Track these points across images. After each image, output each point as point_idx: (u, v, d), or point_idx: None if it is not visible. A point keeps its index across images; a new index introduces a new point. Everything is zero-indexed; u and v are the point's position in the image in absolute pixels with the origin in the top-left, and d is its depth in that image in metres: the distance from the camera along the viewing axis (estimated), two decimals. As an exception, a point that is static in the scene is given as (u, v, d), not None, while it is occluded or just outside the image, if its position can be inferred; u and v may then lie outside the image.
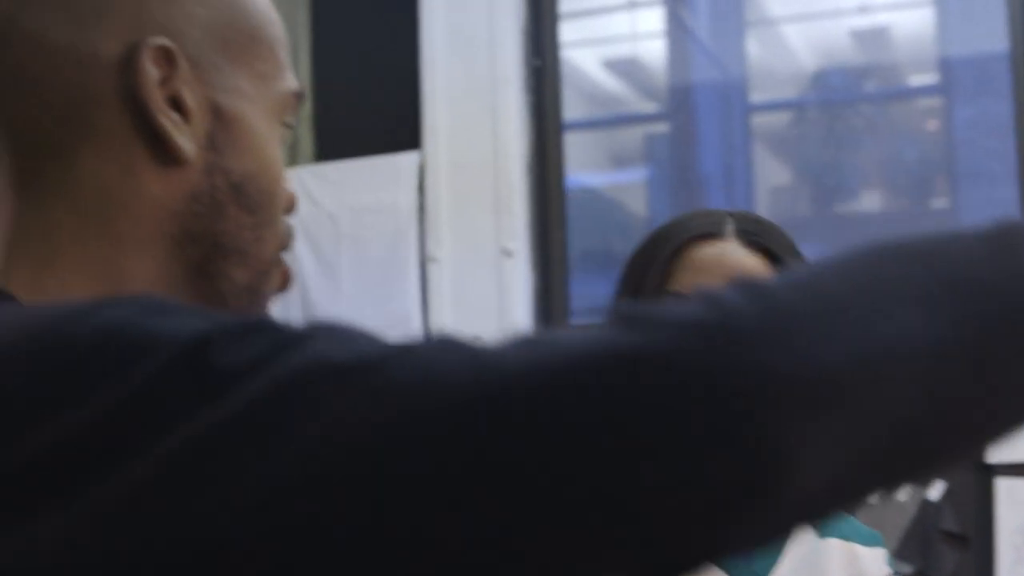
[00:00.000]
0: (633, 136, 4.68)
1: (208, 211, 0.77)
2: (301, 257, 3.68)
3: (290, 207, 0.86)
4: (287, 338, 0.57)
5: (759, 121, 4.62)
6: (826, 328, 0.55)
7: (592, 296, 3.91)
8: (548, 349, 0.54)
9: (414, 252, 3.59)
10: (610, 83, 4.62)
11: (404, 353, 0.55)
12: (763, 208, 4.38)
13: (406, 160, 3.64)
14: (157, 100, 0.74)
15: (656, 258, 1.38)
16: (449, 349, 0.55)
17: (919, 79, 4.44)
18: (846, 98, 4.24)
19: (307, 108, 3.84)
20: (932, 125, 4.36)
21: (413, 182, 3.61)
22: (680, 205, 4.28)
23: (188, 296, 0.78)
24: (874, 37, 4.40)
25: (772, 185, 4.56)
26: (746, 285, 0.57)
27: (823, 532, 1.42)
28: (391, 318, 3.57)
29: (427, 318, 3.56)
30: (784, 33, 4.52)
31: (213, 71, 0.77)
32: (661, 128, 4.60)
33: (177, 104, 0.75)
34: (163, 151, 0.75)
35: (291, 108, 0.84)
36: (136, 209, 0.75)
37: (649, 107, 4.70)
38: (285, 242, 0.84)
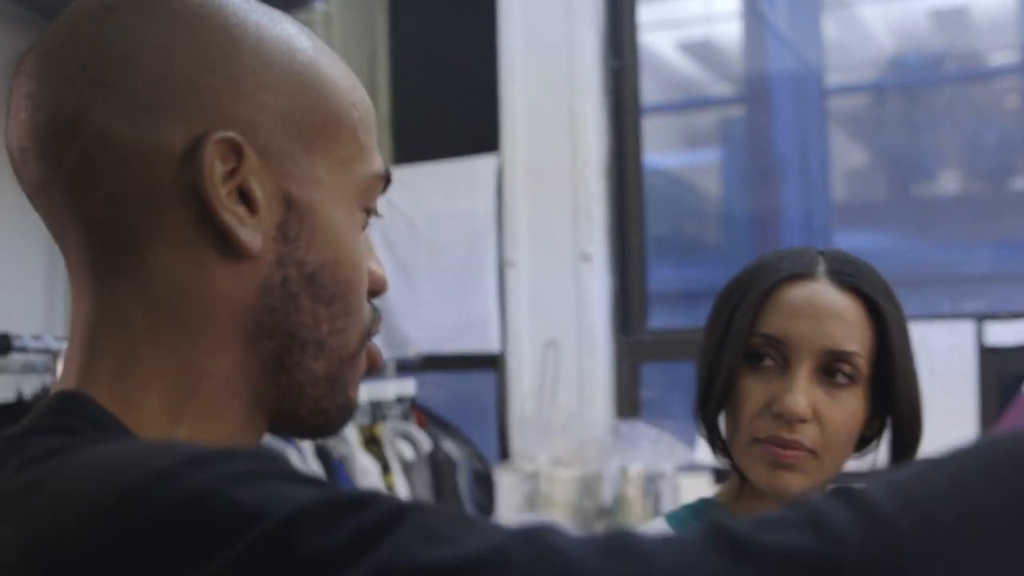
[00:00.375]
0: (708, 119, 4.64)
1: (281, 304, 0.76)
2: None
3: (378, 290, 0.84)
4: (378, 523, 0.57)
5: (836, 104, 4.56)
6: (938, 567, 0.54)
7: (665, 280, 3.91)
8: (644, 568, 0.54)
9: (492, 256, 3.60)
10: (685, 66, 4.58)
11: (501, 560, 0.55)
12: (839, 191, 4.34)
13: (484, 163, 3.64)
14: (219, 195, 0.73)
15: (746, 299, 1.35)
16: (545, 559, 0.55)
17: (999, 59, 4.36)
18: (925, 80, 4.18)
19: (385, 110, 3.85)
20: (1013, 103, 4.29)
21: (491, 186, 3.62)
22: (755, 187, 4.25)
23: (265, 390, 0.78)
24: (953, 18, 4.31)
25: (849, 168, 4.50)
26: (854, 501, 0.56)
27: None
28: (468, 322, 3.59)
29: (505, 322, 3.58)
30: (862, 15, 4.44)
31: (286, 161, 0.76)
32: (737, 111, 4.55)
33: (245, 196, 0.74)
34: (230, 246, 0.74)
35: (374, 192, 0.83)
36: (209, 304, 0.74)
37: (725, 89, 4.65)
38: (371, 328, 0.83)
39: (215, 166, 0.72)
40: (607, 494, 3.30)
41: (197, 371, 0.75)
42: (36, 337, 2.65)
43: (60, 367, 0.80)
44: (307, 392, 0.79)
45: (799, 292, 1.34)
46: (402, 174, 3.76)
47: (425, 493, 3.24)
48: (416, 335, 3.67)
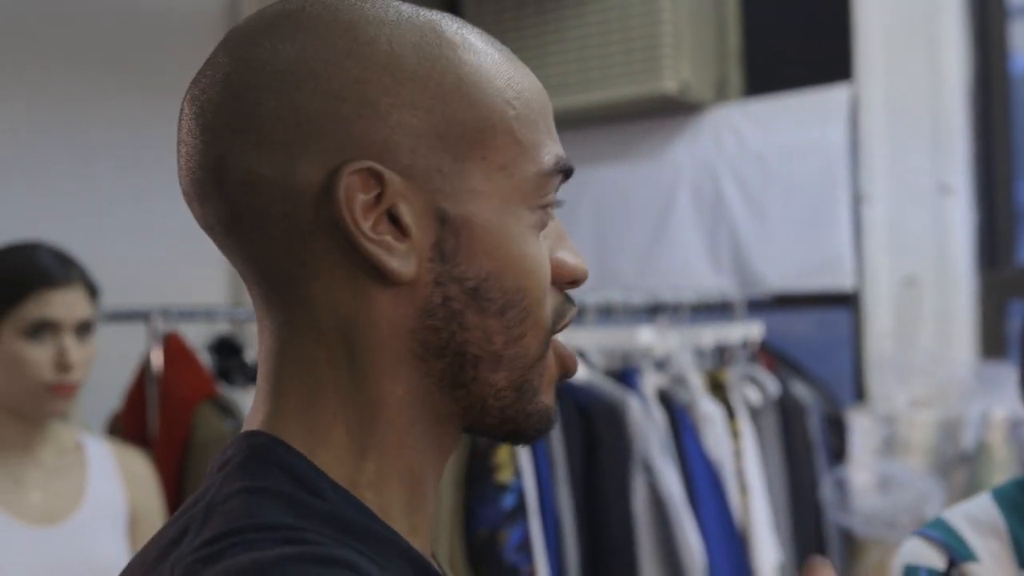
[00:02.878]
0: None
1: (445, 324, 0.75)
2: (729, 198, 3.66)
3: (574, 280, 0.82)
4: None
5: None
6: None
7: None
8: None
9: (845, 191, 3.48)
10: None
11: None
12: None
13: (835, 94, 3.50)
14: (361, 227, 0.72)
15: None
16: None
17: None
18: None
19: (734, 43, 3.77)
20: None
21: (843, 116, 3.48)
22: None
23: (446, 407, 0.78)
24: None
25: None
26: None
27: None
28: (822, 260, 3.50)
29: (861, 259, 3.46)
30: None
31: (436, 176, 0.74)
32: None
33: (395, 220, 0.74)
34: (382, 274, 0.74)
35: (547, 188, 0.78)
36: (373, 333, 0.75)
37: None
38: (559, 324, 0.81)
39: (354, 199, 0.72)
40: (968, 439, 3.15)
41: (373, 401, 0.76)
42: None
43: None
44: (490, 404, 0.78)
45: None
46: (752, 108, 3.68)
47: (773, 439, 3.22)
48: (768, 273, 3.62)
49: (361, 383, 0.76)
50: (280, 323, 0.77)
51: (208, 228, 0.78)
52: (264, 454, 0.74)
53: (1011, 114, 3.40)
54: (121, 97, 3.56)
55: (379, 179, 0.72)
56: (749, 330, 3.37)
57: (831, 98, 3.50)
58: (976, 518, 1.36)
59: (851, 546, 3.32)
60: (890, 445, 3.27)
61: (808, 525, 3.24)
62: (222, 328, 3.09)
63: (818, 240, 3.50)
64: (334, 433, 0.75)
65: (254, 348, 3.08)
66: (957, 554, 1.32)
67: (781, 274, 3.59)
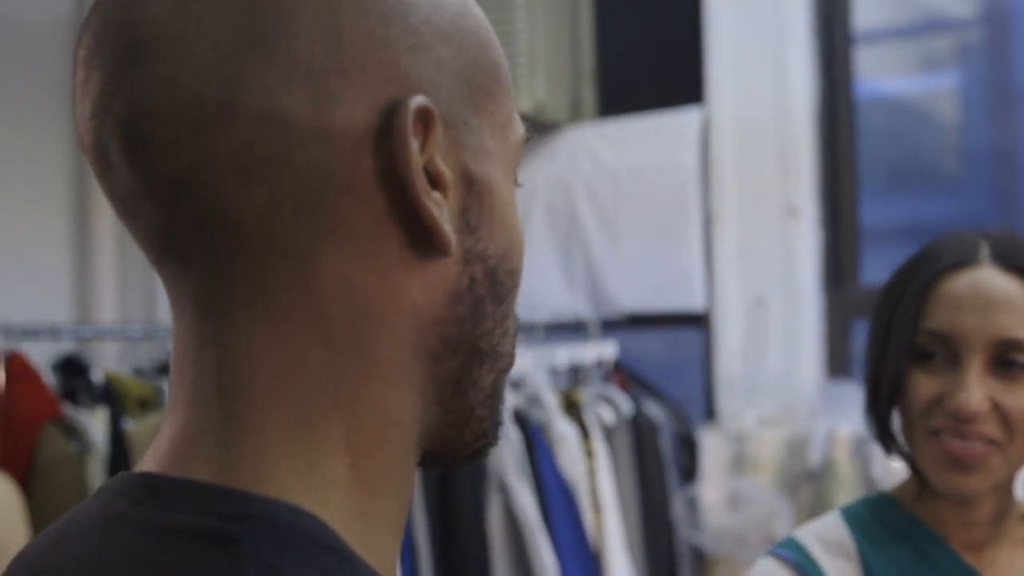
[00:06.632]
0: (945, 43, 4.39)
1: (471, 312, 0.62)
2: (583, 218, 3.69)
3: None
4: None
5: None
6: None
7: (897, 215, 3.74)
8: None
9: (697, 212, 3.54)
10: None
11: None
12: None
13: (688, 116, 3.56)
14: (421, 178, 0.58)
15: (907, 293, 1.30)
16: None
17: None
18: None
19: (589, 62, 3.80)
20: None
21: (695, 138, 3.54)
22: (995, 115, 4.01)
23: (432, 422, 0.63)
24: None
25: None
26: None
27: None
28: (673, 280, 3.55)
29: (711, 279, 3.52)
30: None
31: (462, 128, 0.61)
32: (975, 34, 4.28)
33: (431, 179, 0.59)
34: (423, 243, 0.59)
35: (519, 161, 0.67)
36: (394, 325, 0.59)
37: (963, 10, 4.37)
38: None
39: (412, 143, 0.57)
40: (814, 457, 3.23)
41: (382, 418, 0.60)
42: None
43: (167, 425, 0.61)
44: (476, 413, 0.65)
45: (962, 282, 1.27)
46: (607, 129, 3.72)
47: (626, 458, 3.25)
48: (621, 293, 3.65)
49: (371, 395, 0.59)
50: (256, 318, 0.58)
51: (173, 178, 0.57)
52: (293, 528, 0.55)
53: (856, 137, 3.49)
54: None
55: (428, 125, 0.59)
56: (603, 350, 3.40)
57: (683, 120, 3.56)
58: (826, 537, 1.38)
59: (702, 563, 3.37)
60: (739, 463, 3.33)
61: (660, 543, 3.28)
62: (67, 347, 3.00)
63: (670, 261, 3.55)
64: (339, 468, 0.58)
65: (100, 367, 3.00)
66: (808, 574, 1.33)
67: (634, 294, 3.63)
